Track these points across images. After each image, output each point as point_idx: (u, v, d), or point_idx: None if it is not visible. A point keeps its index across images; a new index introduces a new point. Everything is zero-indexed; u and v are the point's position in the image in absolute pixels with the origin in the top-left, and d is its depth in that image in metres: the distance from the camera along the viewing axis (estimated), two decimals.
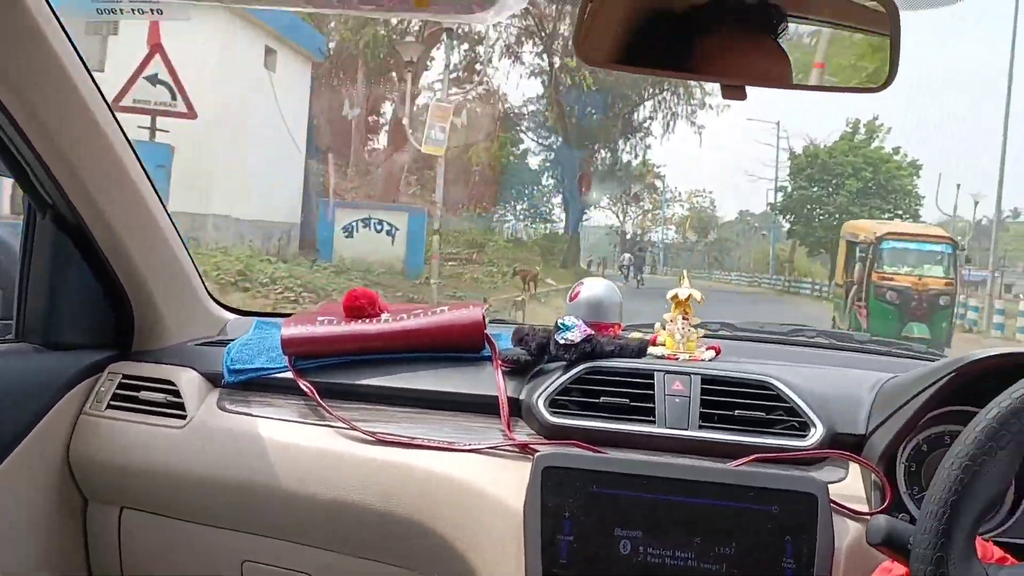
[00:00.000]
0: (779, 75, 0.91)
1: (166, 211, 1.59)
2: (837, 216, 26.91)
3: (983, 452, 0.87)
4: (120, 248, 1.52)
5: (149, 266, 1.58)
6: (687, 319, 1.59)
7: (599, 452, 1.27)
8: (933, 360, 1.72)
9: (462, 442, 1.33)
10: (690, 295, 1.59)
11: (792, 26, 0.91)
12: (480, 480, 1.28)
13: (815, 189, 28.86)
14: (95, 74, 1.33)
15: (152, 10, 1.13)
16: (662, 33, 0.93)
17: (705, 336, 1.81)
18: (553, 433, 1.32)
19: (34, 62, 1.25)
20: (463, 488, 1.28)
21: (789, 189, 30.53)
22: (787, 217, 31.43)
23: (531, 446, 1.30)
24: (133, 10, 1.11)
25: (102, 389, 1.57)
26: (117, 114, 1.39)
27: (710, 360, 1.54)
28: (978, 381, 1.18)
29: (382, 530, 1.34)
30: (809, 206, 29.30)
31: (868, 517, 1.18)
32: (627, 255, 27.25)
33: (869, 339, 1.91)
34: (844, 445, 1.29)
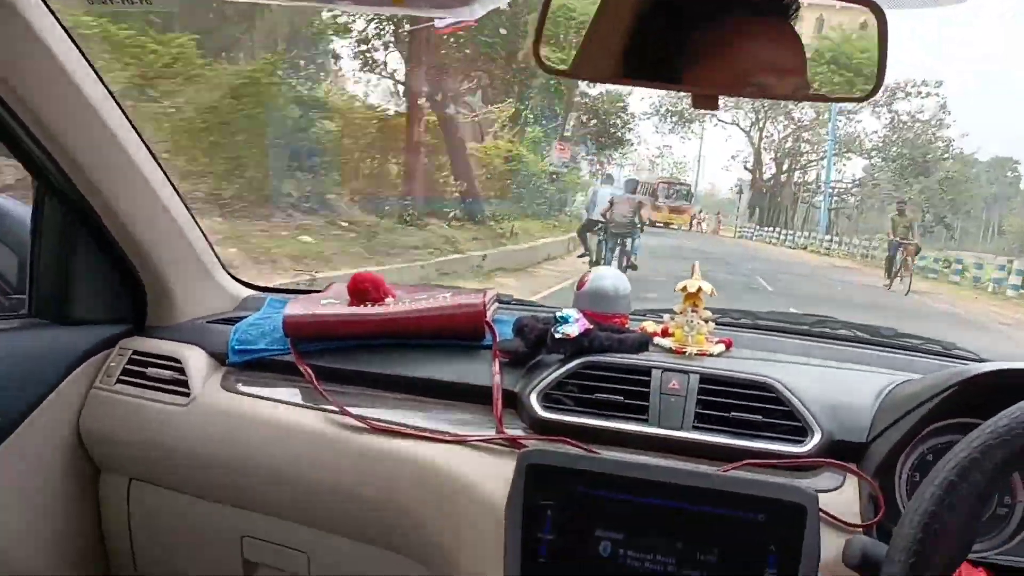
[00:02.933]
0: (760, 83, 0.86)
1: (176, 190, 1.61)
2: None
3: (951, 491, 0.83)
4: (126, 228, 1.54)
5: (157, 244, 1.60)
6: (696, 311, 1.56)
7: (588, 450, 1.25)
8: (962, 360, 1.65)
9: (452, 433, 1.32)
10: (699, 288, 1.55)
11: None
12: (467, 473, 1.27)
13: None
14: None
15: (141, 0, 1.13)
16: (629, 40, 0.89)
17: (725, 325, 1.77)
18: (544, 428, 1.31)
19: (31, 58, 1.26)
20: (450, 479, 1.27)
21: None
22: None
23: (520, 441, 1.28)
24: (123, 1, 1.11)
25: (112, 364, 1.60)
26: None
27: (718, 354, 1.51)
28: (982, 393, 1.13)
29: (370, 514, 1.35)
30: None
31: (860, 530, 1.14)
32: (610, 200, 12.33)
33: (896, 334, 1.84)
34: (844, 452, 1.25)
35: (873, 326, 1.88)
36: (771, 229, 29.03)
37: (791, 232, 27.50)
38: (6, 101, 1.31)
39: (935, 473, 0.88)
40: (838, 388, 1.37)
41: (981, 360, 1.64)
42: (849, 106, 22.27)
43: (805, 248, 26.23)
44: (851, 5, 0.86)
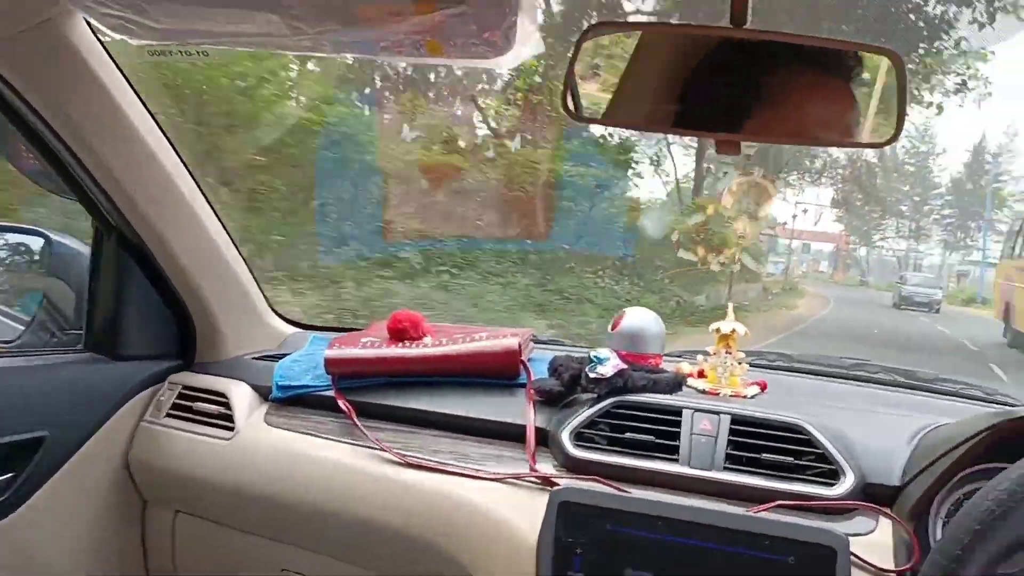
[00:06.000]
0: (779, 128, 0.89)
1: (226, 230, 1.68)
2: None
3: (987, 527, 0.83)
4: (179, 267, 1.61)
5: (207, 283, 1.67)
6: (731, 353, 1.57)
7: (619, 489, 1.26)
8: (1003, 406, 1.63)
9: (487, 470, 1.35)
10: (733, 329, 1.56)
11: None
12: (500, 510, 1.29)
13: None
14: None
15: (198, 52, 1.20)
16: (655, 89, 0.92)
17: (761, 367, 1.77)
18: (576, 467, 1.32)
19: (88, 100, 1.35)
20: (483, 516, 1.29)
21: None
22: None
23: (552, 479, 1.30)
24: (181, 52, 1.19)
25: (162, 398, 1.67)
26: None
27: (752, 396, 1.51)
28: (1020, 439, 1.12)
29: (405, 550, 1.37)
30: None
31: (893, 574, 1.13)
32: None
33: (936, 377, 1.82)
34: (877, 496, 1.24)
35: (912, 370, 1.86)
36: None
37: None
38: (66, 141, 1.39)
39: (983, 494, 0.87)
40: (872, 431, 1.36)
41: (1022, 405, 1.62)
42: None
43: None
44: (868, 53, 0.89)
